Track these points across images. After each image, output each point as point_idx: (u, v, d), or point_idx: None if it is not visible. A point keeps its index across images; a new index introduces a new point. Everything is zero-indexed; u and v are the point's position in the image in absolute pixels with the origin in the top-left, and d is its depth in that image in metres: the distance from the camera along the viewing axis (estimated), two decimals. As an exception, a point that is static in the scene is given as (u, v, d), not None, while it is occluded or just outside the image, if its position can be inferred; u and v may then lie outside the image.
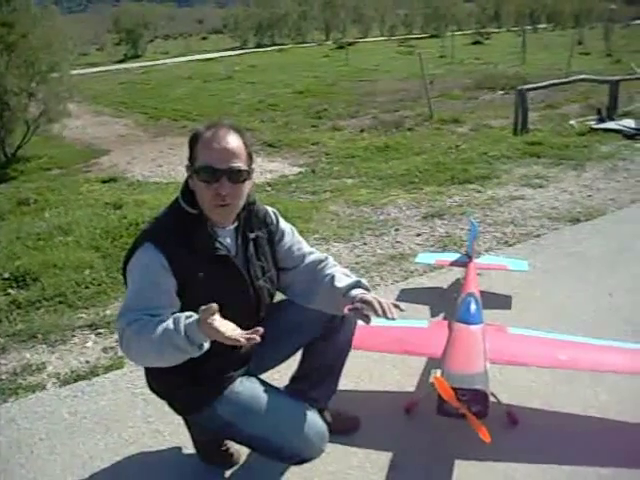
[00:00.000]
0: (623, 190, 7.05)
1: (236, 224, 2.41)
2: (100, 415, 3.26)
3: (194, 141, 2.29)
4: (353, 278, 2.50)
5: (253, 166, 2.37)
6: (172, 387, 2.39)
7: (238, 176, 2.26)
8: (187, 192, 2.33)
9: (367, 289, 2.44)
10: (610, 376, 3.24)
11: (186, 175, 2.36)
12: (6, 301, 4.68)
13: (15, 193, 8.65)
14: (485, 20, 68.81)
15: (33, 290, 4.82)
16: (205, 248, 2.29)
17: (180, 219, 2.30)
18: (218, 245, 2.32)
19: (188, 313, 2.06)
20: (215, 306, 1.92)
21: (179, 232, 2.27)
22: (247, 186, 2.34)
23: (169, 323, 2.04)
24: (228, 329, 1.96)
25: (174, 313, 2.12)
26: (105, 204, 7.17)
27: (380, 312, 2.22)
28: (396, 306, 2.26)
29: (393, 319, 2.22)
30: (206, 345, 2.04)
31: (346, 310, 2.32)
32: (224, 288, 2.28)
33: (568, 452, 2.83)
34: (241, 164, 2.27)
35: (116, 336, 4.12)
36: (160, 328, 2.04)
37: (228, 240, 2.38)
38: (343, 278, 2.49)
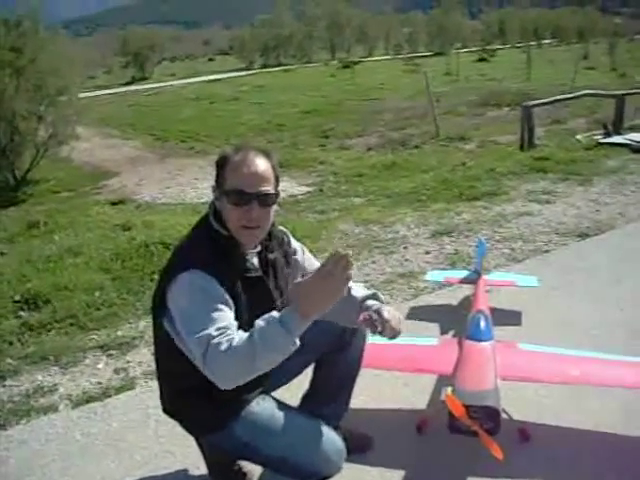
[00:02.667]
0: (631, 204, 7.05)
1: (259, 247, 2.42)
2: (112, 436, 3.27)
3: (222, 164, 2.29)
4: (370, 290, 2.55)
5: (279, 188, 2.38)
6: (189, 408, 2.39)
7: (267, 200, 2.27)
8: (216, 213, 2.33)
9: (383, 302, 2.49)
10: (621, 391, 3.23)
11: (212, 197, 2.36)
12: (17, 323, 4.70)
13: (25, 216, 8.72)
14: (490, 37, 69.17)
15: (44, 312, 4.84)
16: (241, 269, 2.30)
17: (215, 241, 2.29)
18: (250, 266, 2.34)
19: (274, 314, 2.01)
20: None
21: (217, 254, 2.25)
22: (274, 209, 2.35)
23: (260, 326, 1.99)
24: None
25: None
26: (114, 226, 7.20)
27: (389, 331, 2.29)
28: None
29: (395, 337, 2.32)
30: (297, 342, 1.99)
31: (361, 318, 2.34)
32: (257, 308, 2.28)
33: (580, 468, 2.82)
34: (270, 188, 2.28)
35: (128, 357, 4.16)
36: (253, 335, 1.98)
37: (255, 261, 2.40)
38: (359, 289, 2.54)
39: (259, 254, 2.42)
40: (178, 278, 2.19)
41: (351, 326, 2.49)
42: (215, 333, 2.04)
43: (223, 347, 1.99)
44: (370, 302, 2.44)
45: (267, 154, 2.34)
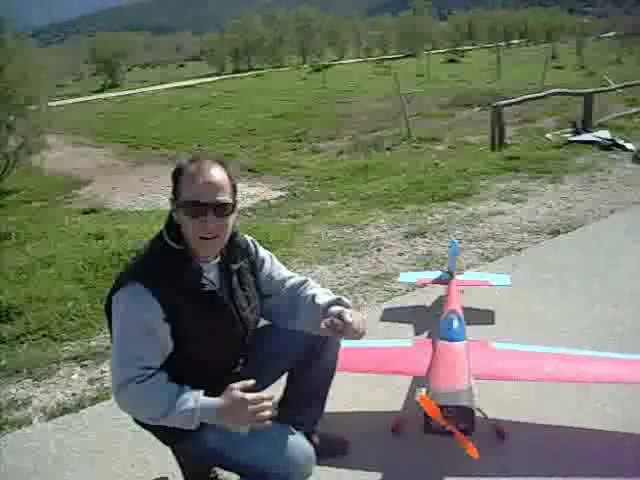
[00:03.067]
0: (601, 201, 7.14)
1: (219, 259, 2.41)
2: (87, 448, 3.24)
3: (178, 174, 2.28)
4: (334, 296, 2.55)
5: (237, 197, 2.38)
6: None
7: (224, 210, 2.26)
8: (172, 226, 2.32)
9: (347, 306, 2.48)
10: (595, 387, 3.26)
11: (170, 208, 2.35)
12: (-10, 336, 4.65)
13: (-4, 227, 8.59)
14: (459, 38, 69.65)
15: (17, 324, 4.78)
16: (192, 284, 2.29)
17: (166, 255, 2.29)
18: (204, 281, 2.33)
19: (197, 394, 2.19)
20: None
21: (166, 270, 2.25)
22: (232, 219, 2.34)
23: (185, 401, 2.16)
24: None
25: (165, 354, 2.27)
26: (87, 235, 7.14)
27: (352, 333, 2.32)
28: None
29: (359, 339, 2.37)
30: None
31: (322, 325, 2.35)
32: (212, 322, 2.31)
33: (556, 465, 2.84)
34: (226, 197, 2.27)
35: (102, 367, 4.12)
36: (172, 405, 2.15)
37: (212, 274, 2.39)
38: (324, 296, 2.54)
39: (219, 265, 2.42)
40: (120, 290, 2.27)
41: (321, 335, 2.49)
42: (139, 372, 2.18)
43: (143, 394, 2.18)
44: (334, 308, 2.43)
45: (222, 163, 2.33)
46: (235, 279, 2.45)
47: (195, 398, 2.17)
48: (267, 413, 2.11)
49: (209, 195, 2.22)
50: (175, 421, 2.17)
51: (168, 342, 2.26)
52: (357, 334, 2.35)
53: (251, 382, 2.16)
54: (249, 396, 2.11)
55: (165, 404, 2.15)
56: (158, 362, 2.24)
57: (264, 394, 2.14)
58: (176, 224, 2.31)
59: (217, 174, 2.26)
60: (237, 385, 2.14)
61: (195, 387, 2.21)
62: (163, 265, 2.27)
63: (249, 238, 2.62)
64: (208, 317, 2.30)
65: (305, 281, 2.65)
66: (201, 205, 2.21)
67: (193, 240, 2.28)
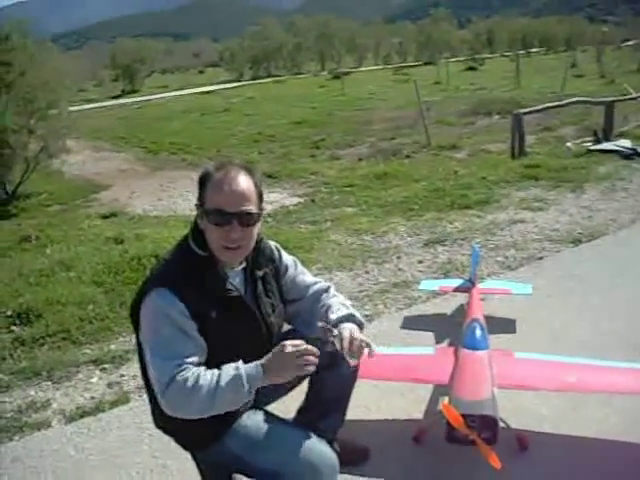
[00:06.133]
0: (622, 210, 7.08)
1: (244, 264, 2.40)
2: (107, 451, 3.24)
3: (204, 181, 2.26)
4: (347, 310, 2.50)
5: (263, 205, 2.36)
6: (180, 423, 2.37)
7: (249, 219, 2.24)
8: (197, 232, 2.31)
9: (360, 323, 2.45)
10: (618, 397, 3.22)
11: (195, 214, 2.33)
12: (10, 338, 4.67)
13: (16, 230, 8.65)
14: (478, 46, 69.52)
15: (37, 327, 4.81)
16: (217, 290, 2.28)
17: (190, 261, 2.28)
18: (229, 286, 2.31)
19: (236, 364, 2.15)
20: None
21: (191, 275, 2.24)
22: (257, 228, 2.33)
23: (227, 374, 2.12)
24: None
25: (203, 353, 2.22)
26: (106, 239, 7.17)
27: (341, 349, 2.27)
28: (367, 345, 2.29)
29: (349, 365, 2.29)
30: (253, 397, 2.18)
31: (319, 324, 2.36)
32: (238, 328, 2.30)
33: (580, 476, 2.81)
34: (252, 207, 2.25)
35: (121, 371, 4.12)
36: (218, 380, 2.12)
37: (237, 280, 2.37)
38: (337, 309, 2.50)
39: (244, 271, 2.40)
40: (147, 296, 2.23)
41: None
42: (179, 368, 2.13)
43: (188, 384, 2.10)
44: (344, 325, 2.38)
45: (249, 170, 2.31)
46: (260, 285, 2.44)
47: (235, 366, 2.14)
48: (312, 364, 2.12)
49: (234, 204, 2.20)
50: (225, 398, 2.12)
51: (201, 341, 2.23)
52: (351, 352, 2.26)
53: (298, 341, 2.15)
54: (292, 347, 2.11)
55: (211, 385, 2.11)
56: (195, 360, 2.19)
57: (308, 346, 2.12)
58: (201, 230, 2.30)
59: (243, 182, 2.24)
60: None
61: None
62: (187, 271, 2.25)
63: (273, 244, 2.60)
64: (233, 323, 2.29)
65: (328, 288, 2.64)
66: (226, 214, 2.20)
67: (217, 248, 2.26)
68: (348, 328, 2.34)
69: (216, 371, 2.15)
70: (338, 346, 2.27)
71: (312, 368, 2.12)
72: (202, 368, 2.18)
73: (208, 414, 2.15)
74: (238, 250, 2.28)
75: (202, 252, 2.28)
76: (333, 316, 2.45)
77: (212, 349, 2.26)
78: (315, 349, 2.12)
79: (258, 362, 2.14)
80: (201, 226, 2.29)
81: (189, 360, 2.17)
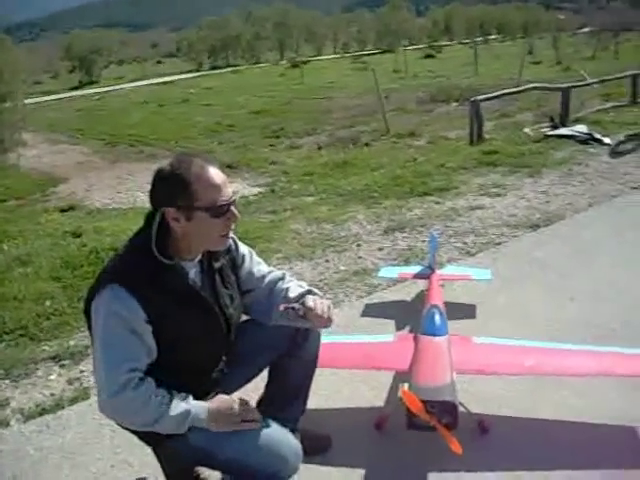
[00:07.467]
0: (580, 194, 7.16)
1: (199, 256, 2.38)
2: (67, 449, 3.20)
3: (185, 183, 2.16)
4: (305, 287, 2.55)
5: None
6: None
7: (236, 202, 2.29)
8: (160, 238, 2.22)
9: (320, 296, 2.49)
10: (575, 380, 3.27)
11: (157, 219, 2.22)
12: (-35, 337, 4.58)
13: (-30, 227, 8.49)
14: (437, 34, 69.84)
15: (-7, 324, 4.72)
16: (174, 285, 2.25)
17: (145, 255, 2.21)
18: (188, 281, 2.30)
19: (188, 399, 2.23)
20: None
21: (145, 270, 2.20)
22: None
23: (178, 406, 2.18)
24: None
25: (152, 356, 2.24)
26: (64, 233, 7.07)
27: (316, 316, 2.33)
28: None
29: (327, 326, 2.39)
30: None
31: (281, 308, 2.38)
32: (196, 322, 2.28)
33: (540, 457, 2.84)
34: (233, 189, 2.29)
35: (81, 367, 4.07)
36: (167, 408, 2.16)
37: (193, 273, 2.35)
38: (296, 289, 2.54)
39: (201, 263, 2.39)
40: (100, 292, 2.21)
41: (290, 322, 2.47)
42: (131, 374, 2.15)
43: (139, 401, 2.14)
44: (305, 297, 2.43)
45: (212, 159, 2.31)
46: (217, 277, 2.42)
47: (187, 400, 2.20)
48: (256, 417, 2.23)
49: (226, 193, 2.22)
50: (167, 426, 2.17)
51: (152, 344, 2.22)
52: (322, 319, 2.34)
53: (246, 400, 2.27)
54: (240, 407, 2.22)
55: (158, 411, 2.15)
56: (144, 363, 2.21)
57: (254, 410, 2.29)
58: (163, 235, 2.23)
59: (218, 169, 2.25)
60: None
61: (179, 387, 2.22)
62: (142, 265, 2.21)
63: (231, 235, 2.58)
64: (192, 317, 2.27)
65: (283, 276, 2.64)
66: (224, 204, 2.21)
67: (212, 240, 2.29)
68: (310, 298, 2.39)
69: (167, 395, 2.18)
70: (307, 311, 2.32)
71: (256, 422, 2.26)
72: (153, 382, 2.19)
73: (143, 430, 2.24)
74: (229, 234, 2.33)
75: (168, 261, 2.23)
76: (292, 294, 2.50)
77: (172, 344, 2.24)
78: (258, 415, 2.27)
79: (206, 405, 2.22)
80: (177, 227, 2.22)
81: (138, 364, 2.18)
